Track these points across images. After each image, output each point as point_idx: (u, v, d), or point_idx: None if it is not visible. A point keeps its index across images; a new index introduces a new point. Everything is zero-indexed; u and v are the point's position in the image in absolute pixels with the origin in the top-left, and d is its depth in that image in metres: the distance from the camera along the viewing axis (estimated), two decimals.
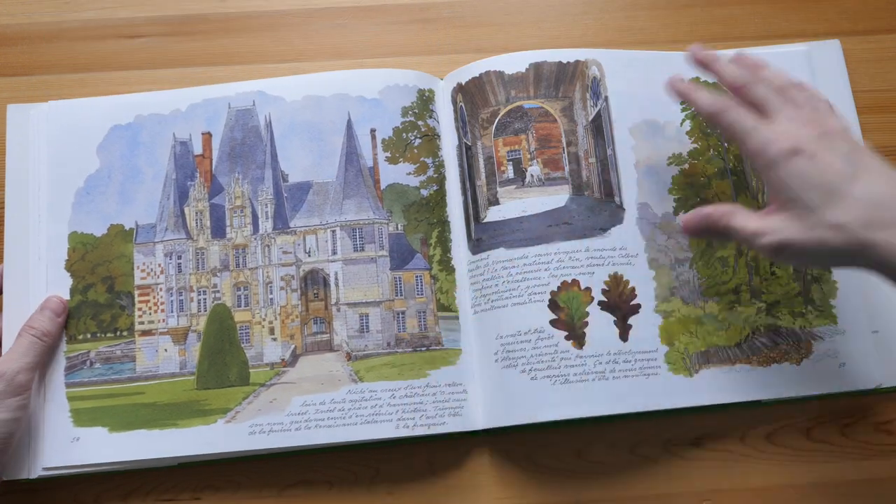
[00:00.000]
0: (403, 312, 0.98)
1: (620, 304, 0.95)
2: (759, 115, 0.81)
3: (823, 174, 0.75)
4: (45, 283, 0.96)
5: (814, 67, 1.04)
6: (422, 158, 1.00)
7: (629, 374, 0.93)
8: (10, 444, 0.87)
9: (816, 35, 1.08)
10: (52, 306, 0.93)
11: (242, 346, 0.96)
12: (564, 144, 1.00)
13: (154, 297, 0.98)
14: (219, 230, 1.00)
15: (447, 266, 0.98)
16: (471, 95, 1.01)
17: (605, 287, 0.95)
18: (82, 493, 0.93)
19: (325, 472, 0.95)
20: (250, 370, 0.95)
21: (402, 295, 0.99)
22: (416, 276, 0.99)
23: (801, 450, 0.96)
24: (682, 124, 1.01)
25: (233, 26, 1.09)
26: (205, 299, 0.98)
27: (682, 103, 0.99)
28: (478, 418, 0.93)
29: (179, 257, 0.99)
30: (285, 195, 1.00)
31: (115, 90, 1.04)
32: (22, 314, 0.93)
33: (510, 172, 1.00)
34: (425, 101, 1.02)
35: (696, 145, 1.01)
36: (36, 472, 0.90)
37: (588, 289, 0.95)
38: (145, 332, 0.96)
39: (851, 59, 1.06)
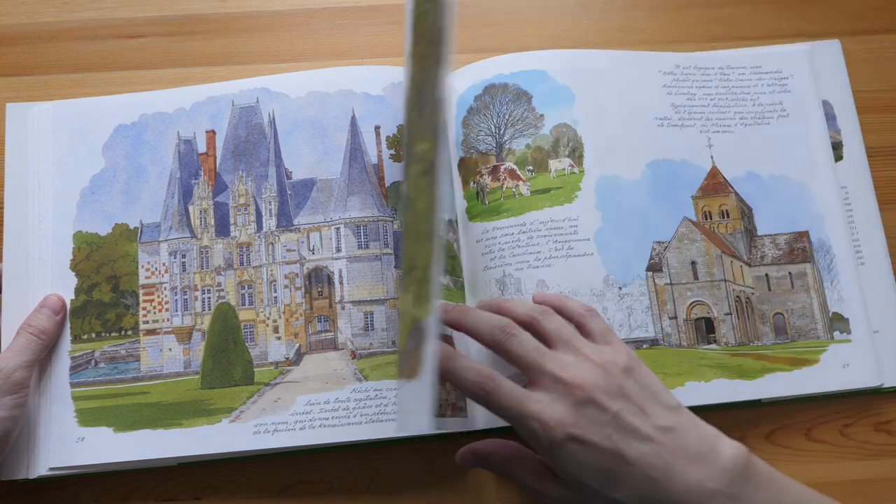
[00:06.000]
0: None
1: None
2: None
3: (595, 458, 0.76)
4: (49, 282, 0.95)
5: (814, 67, 1.05)
6: None
7: None
8: (8, 444, 0.87)
9: (816, 35, 1.08)
10: (50, 304, 0.93)
11: (247, 344, 0.96)
12: None
13: (158, 297, 0.97)
14: (223, 228, 1.00)
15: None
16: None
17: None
18: (82, 493, 0.93)
19: (325, 472, 0.94)
20: (255, 369, 0.95)
21: None
22: None
23: (801, 450, 0.96)
24: None
25: (233, 26, 1.09)
26: (209, 298, 0.98)
27: None
28: (479, 418, 0.93)
29: (184, 256, 0.99)
30: (289, 192, 1.00)
31: (115, 90, 1.04)
32: (21, 314, 0.93)
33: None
34: None
35: None
36: (36, 471, 0.89)
37: None
38: (150, 332, 0.96)
39: (851, 59, 1.07)
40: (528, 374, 0.80)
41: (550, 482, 0.81)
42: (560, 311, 0.87)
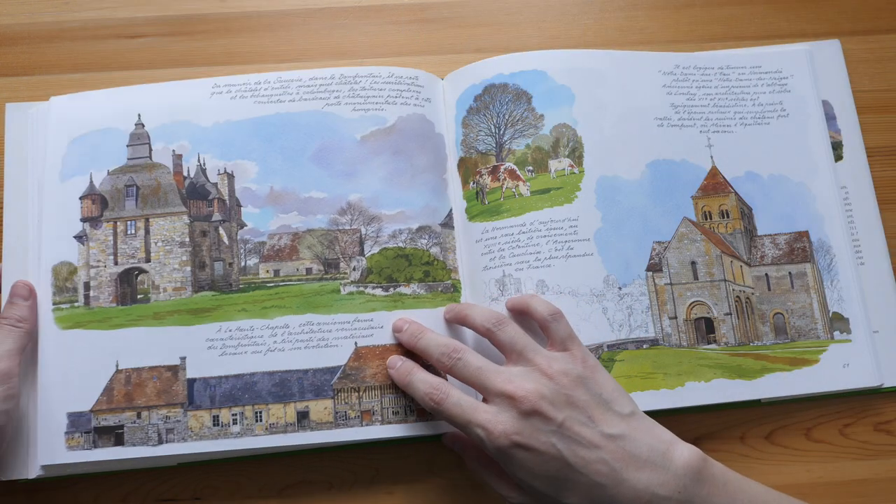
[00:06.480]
0: None
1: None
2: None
3: (542, 465, 0.78)
4: (37, 276, 0.94)
5: (814, 67, 1.05)
6: None
7: None
8: (4, 439, 0.86)
9: (816, 35, 1.09)
10: (17, 292, 0.92)
11: None
12: None
13: None
14: None
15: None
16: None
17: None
18: (82, 493, 0.93)
19: (325, 472, 0.94)
20: None
21: None
22: None
23: (801, 450, 0.96)
24: None
25: (233, 26, 1.09)
26: None
27: None
28: None
29: None
30: None
31: None
32: None
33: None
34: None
35: None
36: (35, 471, 0.89)
37: None
38: None
39: (851, 59, 1.07)
40: (480, 392, 0.84)
41: (509, 487, 0.84)
42: (526, 313, 0.89)
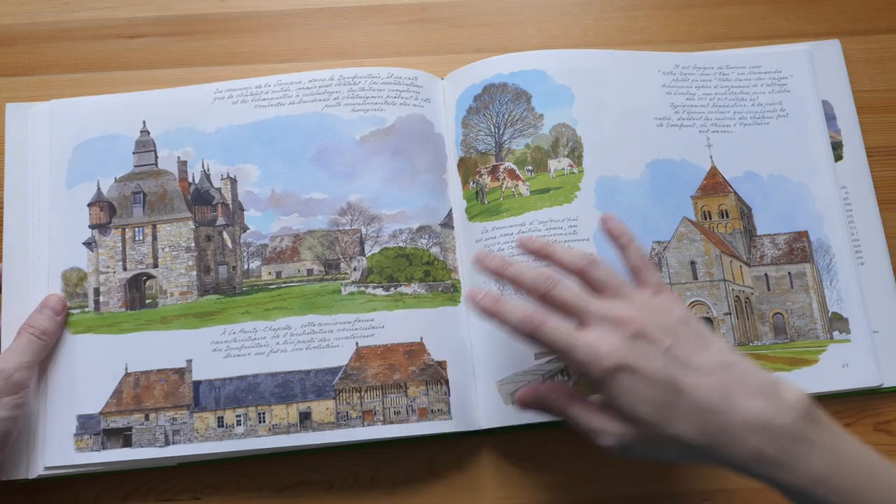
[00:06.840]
0: None
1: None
2: (577, 320, 0.78)
3: (649, 389, 0.73)
4: (45, 282, 0.95)
5: (814, 67, 1.05)
6: None
7: None
8: (7, 444, 0.87)
9: (816, 35, 1.09)
10: (51, 305, 0.93)
11: None
12: None
13: None
14: None
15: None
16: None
17: None
18: (82, 493, 0.93)
19: (325, 472, 0.94)
20: None
21: None
22: None
23: None
24: None
25: (233, 26, 1.09)
26: None
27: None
28: (479, 418, 0.93)
29: None
30: None
31: (115, 90, 1.03)
32: (21, 313, 0.92)
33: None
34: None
35: None
36: (35, 471, 0.89)
37: None
38: None
39: (851, 59, 1.07)
40: (577, 317, 0.78)
41: (608, 419, 0.77)
42: (622, 252, 0.84)
